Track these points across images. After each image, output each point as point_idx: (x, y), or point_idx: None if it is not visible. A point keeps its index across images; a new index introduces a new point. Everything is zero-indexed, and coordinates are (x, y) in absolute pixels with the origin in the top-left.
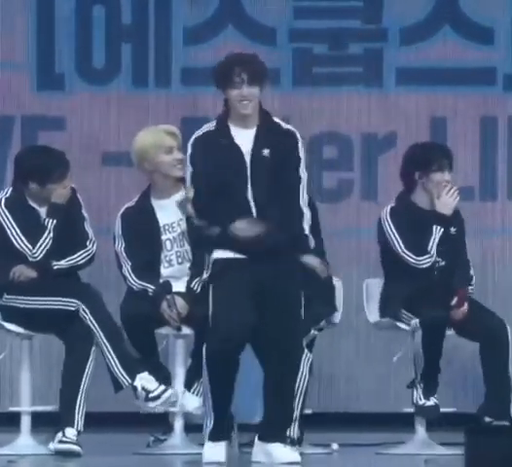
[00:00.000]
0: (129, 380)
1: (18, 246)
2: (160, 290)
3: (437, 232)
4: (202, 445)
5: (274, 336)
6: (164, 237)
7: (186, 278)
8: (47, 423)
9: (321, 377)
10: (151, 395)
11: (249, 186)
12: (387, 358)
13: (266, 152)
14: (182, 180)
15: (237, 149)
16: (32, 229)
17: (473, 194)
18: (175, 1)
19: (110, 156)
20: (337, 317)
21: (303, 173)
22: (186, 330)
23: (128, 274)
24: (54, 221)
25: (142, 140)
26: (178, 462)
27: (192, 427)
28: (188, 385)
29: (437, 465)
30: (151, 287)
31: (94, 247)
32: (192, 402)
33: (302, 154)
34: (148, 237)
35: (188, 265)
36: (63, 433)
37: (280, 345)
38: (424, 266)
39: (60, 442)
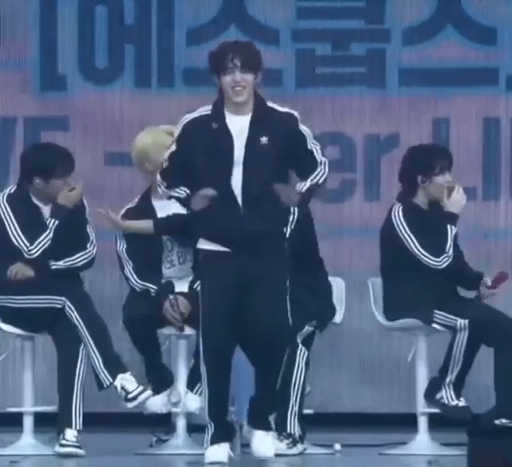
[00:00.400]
0: (111, 380)
1: (15, 242)
2: (162, 290)
3: (452, 231)
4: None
5: (262, 326)
6: (164, 237)
7: (188, 278)
8: (49, 423)
9: (324, 377)
10: (129, 396)
11: (240, 173)
12: (390, 358)
13: (264, 139)
14: None
15: (227, 135)
16: (33, 227)
17: (476, 194)
18: (178, 1)
19: (112, 156)
20: (339, 317)
21: (312, 145)
22: (189, 330)
23: (130, 275)
24: (57, 222)
25: (143, 140)
26: (181, 462)
27: (194, 427)
28: (190, 386)
29: (440, 466)
30: (153, 287)
31: (95, 250)
32: (194, 402)
33: (305, 131)
34: (149, 238)
35: (190, 265)
36: (63, 435)
37: (268, 335)
38: (443, 266)
39: (62, 445)
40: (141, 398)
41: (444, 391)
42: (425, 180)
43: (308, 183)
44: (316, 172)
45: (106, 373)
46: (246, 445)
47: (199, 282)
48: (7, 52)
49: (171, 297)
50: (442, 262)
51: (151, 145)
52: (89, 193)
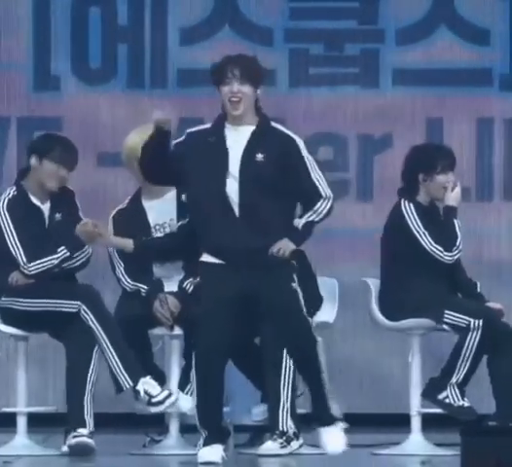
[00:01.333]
0: (131, 383)
1: (13, 254)
2: (151, 289)
3: (458, 224)
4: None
5: (286, 339)
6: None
7: (177, 278)
8: (42, 424)
9: None
10: (154, 400)
11: (237, 187)
12: (384, 358)
13: (260, 156)
14: None
15: (223, 147)
16: (34, 232)
17: (469, 194)
18: (171, 2)
19: (105, 156)
20: (331, 317)
21: (317, 176)
22: (178, 330)
23: (121, 276)
24: (68, 254)
25: (132, 140)
26: (174, 463)
27: (187, 428)
28: (182, 386)
29: (433, 466)
30: (144, 287)
31: (91, 249)
32: (186, 402)
33: (308, 159)
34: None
35: (180, 264)
36: (76, 431)
37: (294, 345)
38: (455, 258)
39: (74, 437)
40: (169, 402)
41: (449, 391)
42: (427, 178)
43: (303, 220)
44: (316, 208)
45: (126, 376)
46: (239, 445)
47: (188, 281)
48: (1, 51)
49: (161, 295)
50: (454, 255)
51: (138, 145)
52: (81, 194)
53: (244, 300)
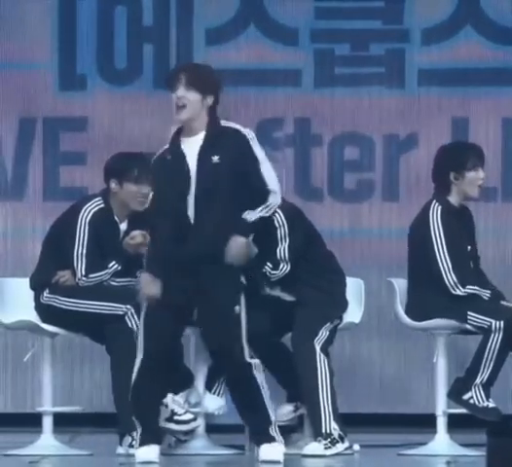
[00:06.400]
0: None
1: (74, 263)
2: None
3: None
4: (225, 446)
5: (214, 345)
6: None
7: None
8: (69, 424)
9: (342, 377)
10: (177, 417)
11: (193, 194)
12: (409, 359)
13: (215, 158)
14: None
15: (182, 158)
16: (105, 250)
17: (496, 194)
18: (197, 1)
19: None
20: (357, 317)
21: (264, 168)
22: None
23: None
24: (119, 268)
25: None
26: (200, 463)
27: (214, 428)
28: (209, 386)
29: (458, 466)
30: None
31: None
32: (213, 403)
33: (259, 153)
34: None
35: None
36: (132, 437)
37: (221, 353)
38: (457, 293)
39: (132, 446)
40: (192, 426)
41: (473, 392)
42: (458, 177)
43: (255, 215)
44: (268, 203)
45: None
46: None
47: None
48: (26, 52)
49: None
50: (458, 291)
51: None
52: None
53: (193, 308)
